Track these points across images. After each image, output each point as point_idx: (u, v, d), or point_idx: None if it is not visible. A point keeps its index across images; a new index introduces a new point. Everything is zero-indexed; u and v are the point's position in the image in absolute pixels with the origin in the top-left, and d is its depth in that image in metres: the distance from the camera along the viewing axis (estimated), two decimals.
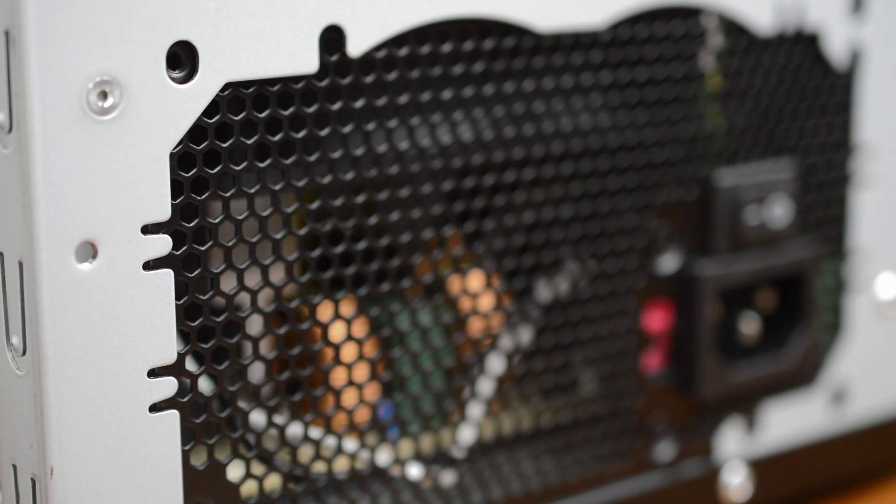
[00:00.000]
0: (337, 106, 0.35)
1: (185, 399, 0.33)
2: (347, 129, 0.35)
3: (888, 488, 0.51)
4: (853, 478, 0.50)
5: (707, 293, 0.43)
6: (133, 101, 0.31)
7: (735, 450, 0.46)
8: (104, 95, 0.30)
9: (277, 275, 0.35)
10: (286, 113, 0.34)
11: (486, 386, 0.40)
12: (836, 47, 0.45)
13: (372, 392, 0.38)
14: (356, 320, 0.37)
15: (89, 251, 0.31)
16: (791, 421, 0.47)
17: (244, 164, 0.33)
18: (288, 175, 0.34)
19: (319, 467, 0.37)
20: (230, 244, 0.34)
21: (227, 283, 0.34)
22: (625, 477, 0.43)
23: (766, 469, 0.46)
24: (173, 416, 0.33)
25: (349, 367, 0.37)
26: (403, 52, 0.35)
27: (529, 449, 0.41)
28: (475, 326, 0.39)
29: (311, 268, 0.35)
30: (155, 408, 0.32)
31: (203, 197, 0.33)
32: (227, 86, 0.32)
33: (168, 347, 0.32)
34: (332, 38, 0.34)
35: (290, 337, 0.36)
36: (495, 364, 0.40)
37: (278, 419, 0.35)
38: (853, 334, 0.48)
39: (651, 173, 0.42)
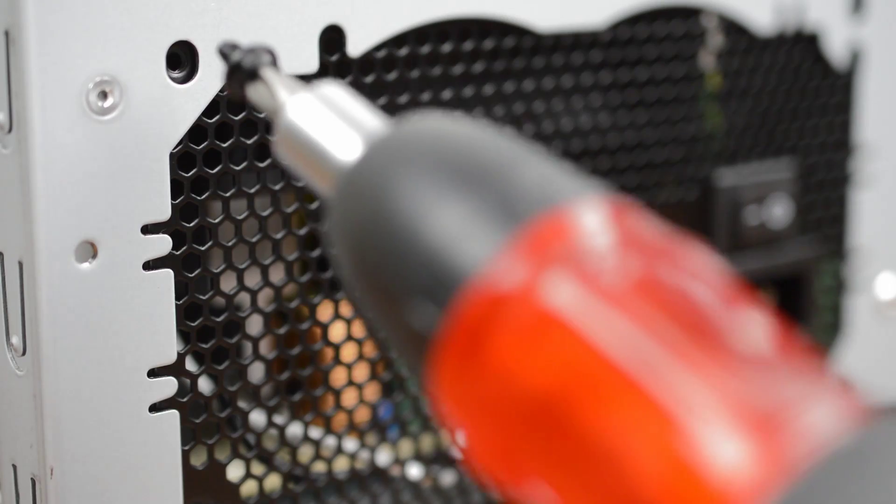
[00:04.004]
0: None
1: (185, 399, 0.33)
2: None
3: None
4: None
5: None
6: (133, 101, 0.31)
7: None
8: (104, 95, 0.30)
9: (277, 275, 0.35)
10: None
11: None
12: (836, 47, 0.45)
13: (372, 392, 0.38)
14: (356, 320, 0.37)
15: (89, 251, 0.31)
16: None
17: (244, 163, 0.33)
18: (288, 175, 0.34)
19: (319, 467, 0.37)
20: (230, 244, 0.33)
21: (227, 283, 0.34)
22: None
23: None
24: (173, 416, 0.33)
25: (349, 367, 0.37)
26: (403, 52, 0.35)
27: None
28: None
29: (311, 268, 0.35)
30: (155, 408, 0.32)
31: (203, 197, 0.33)
32: None
33: (168, 347, 0.32)
34: (332, 38, 0.34)
35: (290, 337, 0.36)
36: None
37: (278, 419, 0.35)
38: (853, 334, 0.48)
39: (651, 173, 0.42)
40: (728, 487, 0.18)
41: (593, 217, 0.22)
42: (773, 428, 0.19)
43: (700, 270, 0.22)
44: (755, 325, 0.21)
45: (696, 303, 0.21)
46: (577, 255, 0.22)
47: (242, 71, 0.29)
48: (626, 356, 0.20)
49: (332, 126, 0.26)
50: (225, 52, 0.29)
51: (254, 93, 0.29)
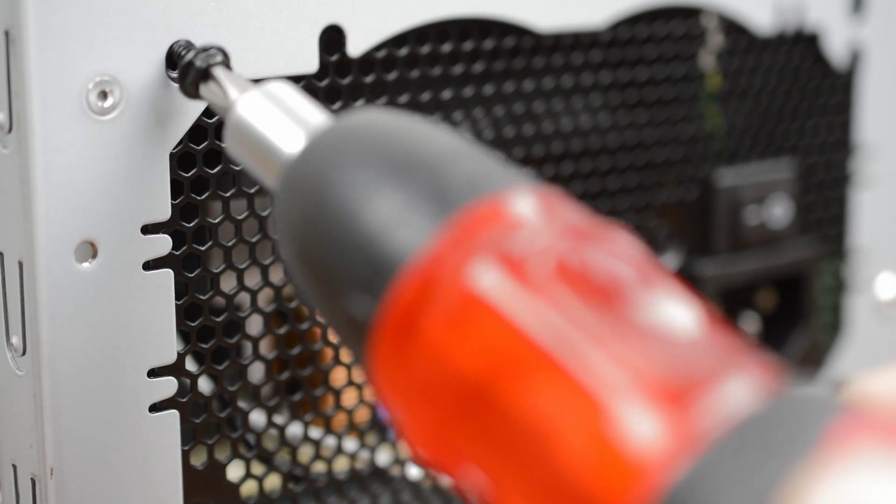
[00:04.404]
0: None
1: (185, 399, 0.33)
2: None
3: None
4: None
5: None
6: (133, 101, 0.31)
7: None
8: (104, 95, 0.30)
9: (277, 275, 0.35)
10: None
11: None
12: (836, 47, 0.45)
13: (372, 392, 0.38)
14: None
15: (89, 251, 0.31)
16: None
17: None
18: None
19: (319, 467, 0.37)
20: (230, 244, 0.33)
21: (227, 283, 0.34)
22: None
23: None
24: (173, 416, 0.33)
25: (349, 366, 0.37)
26: (403, 52, 0.35)
27: None
28: None
29: None
30: (155, 408, 0.32)
31: (203, 197, 0.33)
32: None
33: (168, 347, 0.32)
34: (332, 38, 0.34)
35: (289, 337, 0.36)
36: None
37: (278, 419, 0.35)
38: (853, 334, 0.48)
39: (651, 173, 0.42)
40: (642, 460, 0.19)
41: (521, 205, 0.23)
42: (686, 401, 0.20)
43: (622, 253, 0.23)
44: (674, 305, 0.22)
45: (617, 284, 0.22)
46: (504, 242, 0.23)
47: (195, 70, 0.30)
48: (547, 339, 0.21)
49: (277, 121, 0.27)
50: (178, 51, 0.30)
51: (206, 92, 0.30)
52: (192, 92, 0.30)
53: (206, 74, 0.30)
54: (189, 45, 0.31)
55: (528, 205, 0.23)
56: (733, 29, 0.42)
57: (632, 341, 0.21)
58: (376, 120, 0.26)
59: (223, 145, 0.29)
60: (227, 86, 0.29)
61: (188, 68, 0.30)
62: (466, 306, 0.22)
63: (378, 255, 0.23)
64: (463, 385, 0.22)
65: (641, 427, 0.20)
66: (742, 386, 0.20)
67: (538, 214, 0.23)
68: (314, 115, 0.27)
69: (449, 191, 0.23)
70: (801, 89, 0.45)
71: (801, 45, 0.44)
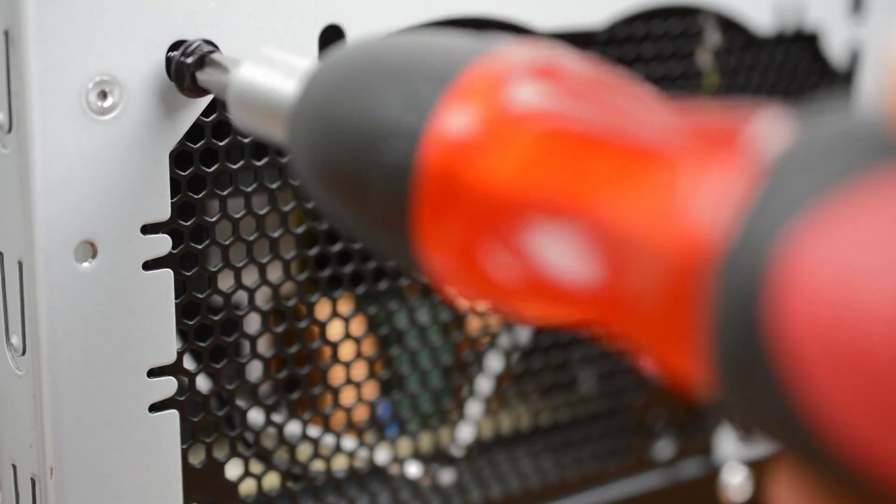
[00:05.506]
0: None
1: (184, 398, 0.33)
2: None
3: None
4: None
5: None
6: (133, 100, 0.31)
7: (735, 450, 0.46)
8: (104, 95, 0.30)
9: (275, 273, 0.35)
10: None
11: (484, 384, 0.40)
12: (835, 47, 0.45)
13: (370, 390, 0.38)
14: (354, 318, 0.37)
15: (89, 251, 0.31)
16: None
17: (241, 162, 0.33)
18: (285, 173, 0.34)
19: (318, 466, 0.37)
20: (228, 242, 0.34)
21: (225, 282, 0.34)
22: (624, 476, 0.43)
23: (765, 469, 0.47)
24: (173, 415, 0.33)
25: (347, 365, 0.37)
26: None
27: (528, 447, 0.42)
28: (473, 324, 0.39)
29: (308, 266, 0.35)
30: (154, 407, 0.32)
31: (200, 195, 0.33)
32: None
33: (167, 347, 0.32)
34: (332, 38, 0.34)
35: (288, 335, 0.36)
36: (494, 362, 0.40)
37: (277, 417, 0.35)
38: None
39: None
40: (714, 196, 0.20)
41: (528, 53, 0.24)
42: (732, 141, 0.20)
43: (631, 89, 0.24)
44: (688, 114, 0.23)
45: (634, 97, 0.23)
46: (525, 71, 0.24)
47: (192, 57, 0.31)
48: (597, 125, 0.22)
49: (272, 77, 0.28)
50: (171, 51, 0.31)
51: (203, 76, 0.31)
52: (189, 84, 0.31)
53: (201, 62, 0.31)
54: (178, 45, 0.31)
55: (532, 53, 0.24)
56: (731, 28, 0.42)
57: (662, 110, 0.22)
58: (360, 43, 0.27)
59: (230, 116, 0.29)
60: (223, 67, 0.30)
61: (183, 55, 0.31)
62: (515, 123, 0.23)
63: (398, 129, 0.24)
64: (539, 203, 0.22)
65: (705, 171, 0.20)
66: (773, 120, 0.20)
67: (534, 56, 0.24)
68: (303, 62, 0.28)
69: (449, 60, 0.24)
70: (800, 88, 0.45)
71: (800, 45, 0.44)
